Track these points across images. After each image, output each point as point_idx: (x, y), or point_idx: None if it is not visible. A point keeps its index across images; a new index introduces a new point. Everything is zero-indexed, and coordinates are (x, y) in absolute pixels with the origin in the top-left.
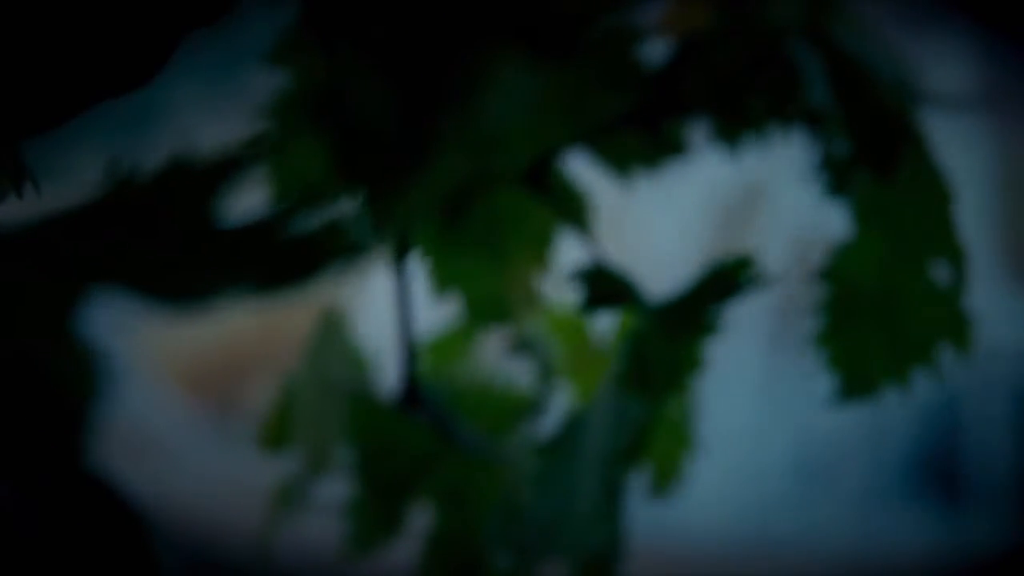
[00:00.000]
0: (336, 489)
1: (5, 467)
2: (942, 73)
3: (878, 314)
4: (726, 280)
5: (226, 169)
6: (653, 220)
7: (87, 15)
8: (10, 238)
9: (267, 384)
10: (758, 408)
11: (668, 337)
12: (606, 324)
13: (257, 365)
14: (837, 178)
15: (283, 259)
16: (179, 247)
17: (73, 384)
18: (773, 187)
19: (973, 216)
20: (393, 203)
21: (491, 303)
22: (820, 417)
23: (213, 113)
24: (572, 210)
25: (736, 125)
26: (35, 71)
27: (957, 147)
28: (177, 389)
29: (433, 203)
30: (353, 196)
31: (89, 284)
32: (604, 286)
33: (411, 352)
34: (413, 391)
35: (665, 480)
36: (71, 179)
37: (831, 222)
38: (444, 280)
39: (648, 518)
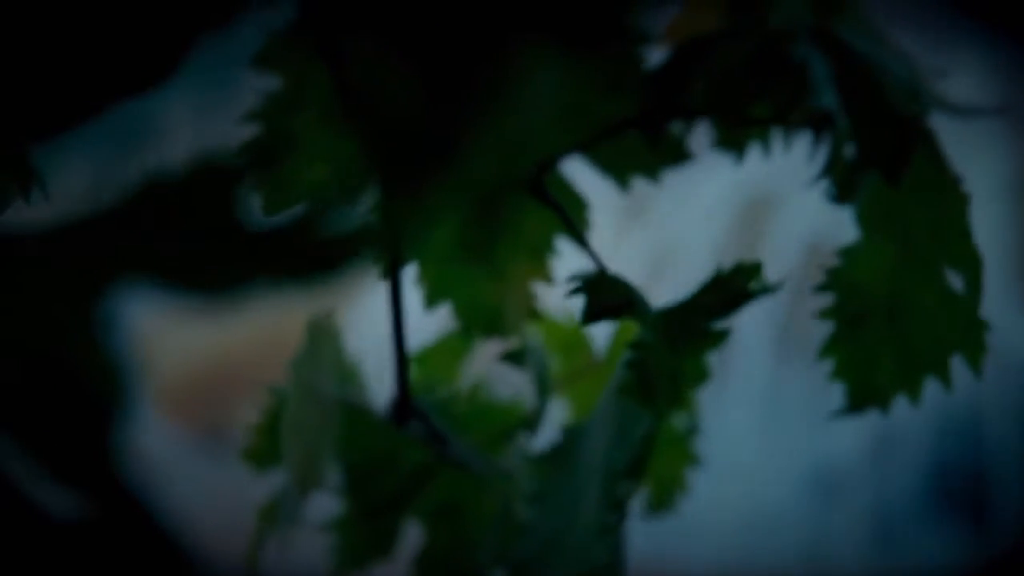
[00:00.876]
0: (326, 506)
1: (40, 469)
2: (957, 81)
3: (887, 322)
4: (732, 288)
5: (241, 169)
6: (670, 223)
7: (100, 16)
8: (32, 237)
9: (255, 400)
10: (766, 421)
11: (671, 347)
12: (603, 335)
13: (244, 382)
14: (845, 183)
15: (310, 257)
16: (207, 243)
17: (101, 383)
18: (787, 192)
19: (989, 223)
20: (420, 202)
21: (486, 313)
22: (830, 431)
23: (205, 120)
24: (572, 216)
25: (740, 130)
26: (45, 73)
27: (972, 153)
28: (162, 409)
29: (460, 204)
30: (374, 195)
31: (118, 280)
32: (605, 295)
33: (404, 363)
34: (405, 404)
35: (666, 496)
36: (65, 183)
37: (846, 228)
38: (437, 289)
39: (653, 535)
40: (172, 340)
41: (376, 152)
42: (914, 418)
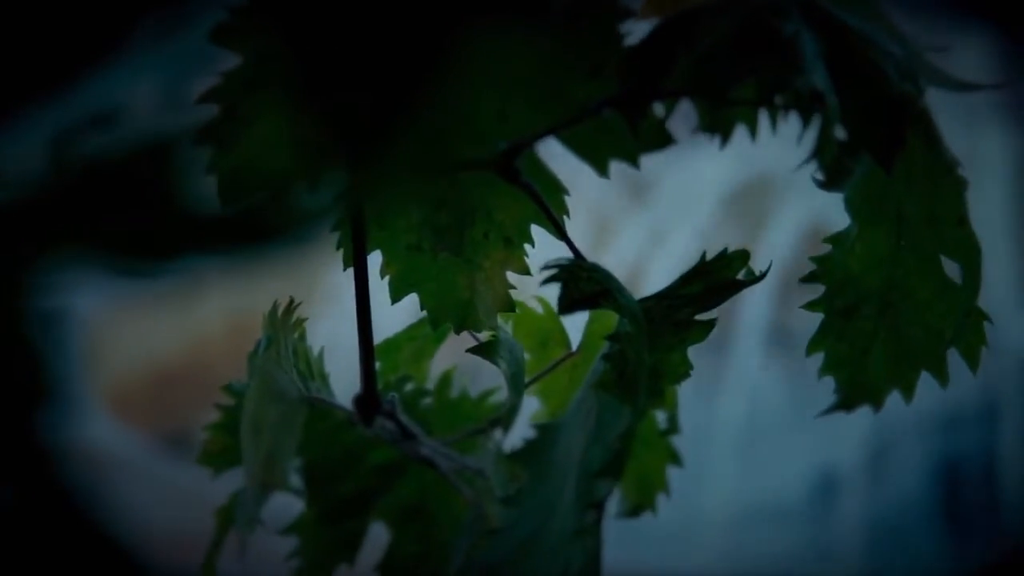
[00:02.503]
0: (287, 507)
1: None
2: (958, 59)
3: (879, 314)
4: (717, 277)
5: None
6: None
7: None
8: None
9: (206, 400)
10: (762, 418)
11: (652, 340)
12: (577, 327)
13: (193, 382)
14: (835, 167)
15: (242, 230)
16: (146, 222)
17: (26, 373)
18: (787, 177)
19: (989, 209)
20: (383, 183)
21: (456, 304)
22: (833, 427)
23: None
24: (548, 201)
25: (725, 112)
26: None
27: (971, 136)
28: (124, 409)
29: (426, 185)
30: (337, 178)
31: (56, 254)
32: (582, 284)
33: (370, 357)
34: (371, 399)
35: (646, 496)
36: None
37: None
38: (404, 278)
39: (643, 537)
40: (136, 337)
41: (338, 131)
42: (921, 415)
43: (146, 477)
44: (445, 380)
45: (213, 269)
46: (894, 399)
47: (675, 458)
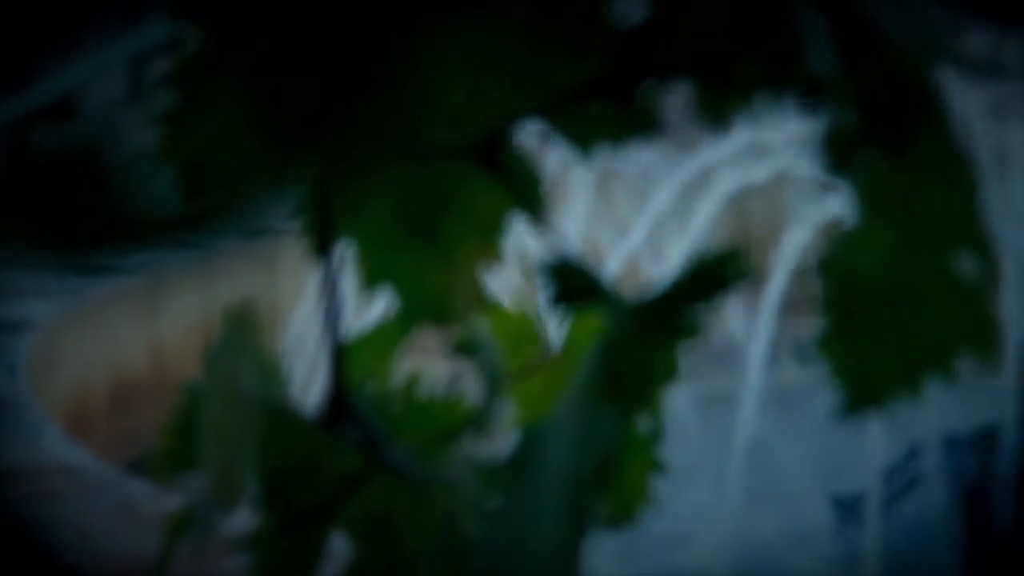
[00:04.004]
0: (242, 517)
1: None
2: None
3: (888, 315)
4: (711, 277)
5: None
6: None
7: None
8: None
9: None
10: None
11: (643, 341)
12: (556, 328)
13: (148, 393)
14: (842, 156)
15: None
16: (98, 214)
17: None
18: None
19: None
20: (353, 170)
21: (430, 299)
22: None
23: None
24: (526, 191)
25: (723, 94)
26: None
27: (1000, 132)
28: (69, 424)
29: (398, 173)
30: (282, 163)
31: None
32: (570, 281)
33: (339, 356)
34: (340, 403)
35: (628, 507)
36: None
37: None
38: (375, 272)
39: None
40: (96, 345)
41: (299, 114)
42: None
43: (105, 496)
44: (414, 381)
45: (171, 264)
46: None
47: (658, 467)
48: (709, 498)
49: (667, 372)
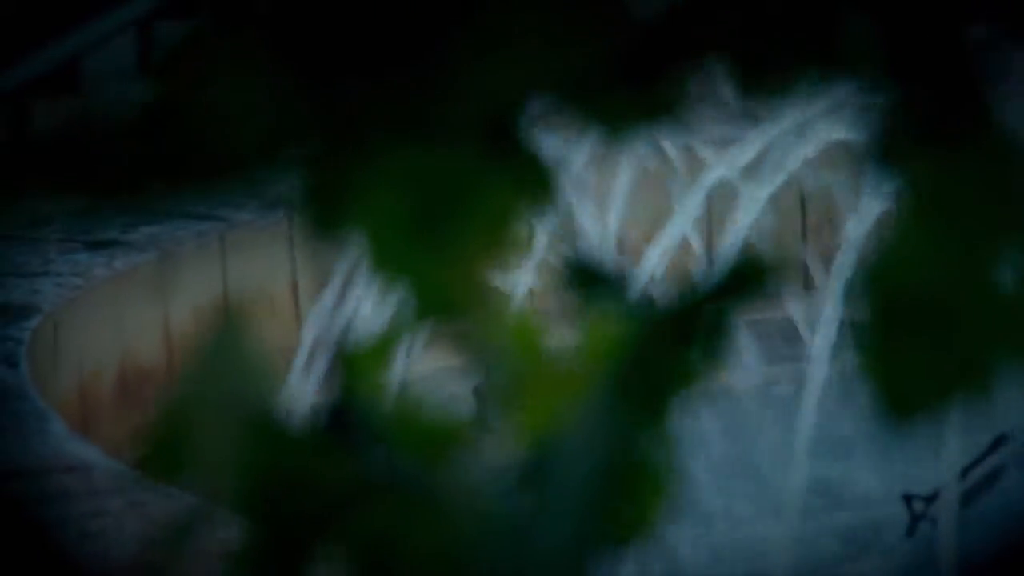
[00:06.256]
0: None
1: None
2: None
3: (931, 324)
4: (740, 282)
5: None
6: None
7: None
8: None
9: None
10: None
11: (667, 348)
12: (566, 335)
13: (159, 384)
14: (886, 147)
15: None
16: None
17: None
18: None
19: None
20: (363, 154)
21: (439, 295)
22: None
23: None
24: (536, 182)
25: (759, 74)
26: None
27: None
28: (68, 421)
29: (412, 157)
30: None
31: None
32: (590, 282)
33: (342, 360)
34: (333, 410)
35: (638, 527)
36: None
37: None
38: (383, 263)
39: None
40: (104, 332)
41: (315, 93)
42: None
43: (114, 496)
44: (408, 388)
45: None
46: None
47: (675, 478)
48: (770, 496)
49: (684, 379)
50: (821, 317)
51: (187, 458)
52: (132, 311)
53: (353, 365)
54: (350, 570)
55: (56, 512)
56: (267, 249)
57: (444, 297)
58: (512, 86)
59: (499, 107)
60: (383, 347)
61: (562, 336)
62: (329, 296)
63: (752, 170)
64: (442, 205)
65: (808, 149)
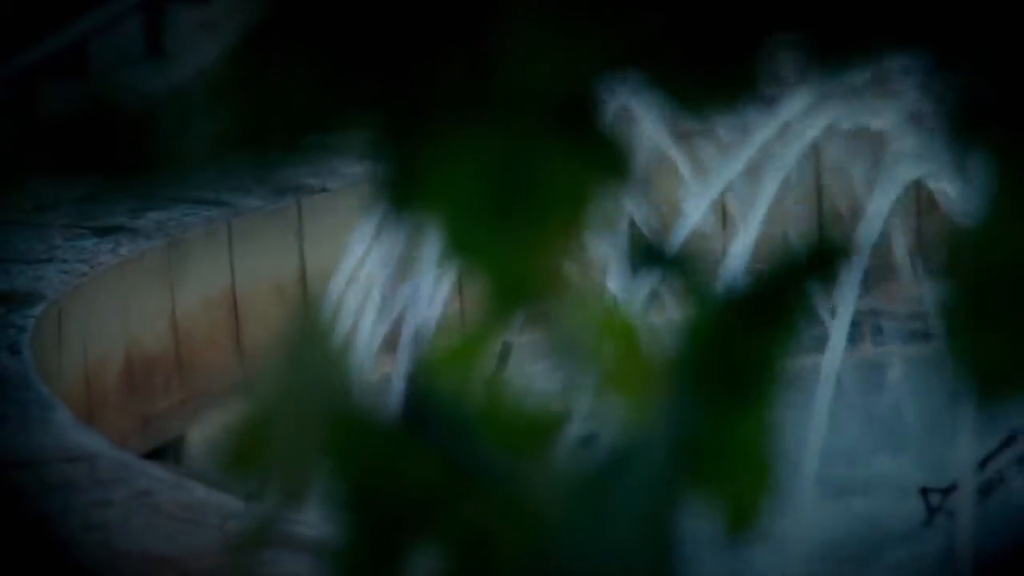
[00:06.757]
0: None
1: None
2: None
3: (1018, 300)
4: (817, 266)
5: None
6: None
7: None
8: None
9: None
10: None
11: (745, 333)
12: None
13: (165, 373)
14: (972, 128)
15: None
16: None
17: None
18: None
19: None
20: (434, 136)
21: (517, 281)
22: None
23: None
24: (612, 163)
25: (840, 49)
26: None
27: None
28: (73, 409)
29: (487, 139)
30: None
31: None
32: (666, 269)
33: (422, 354)
34: (423, 405)
35: (741, 522)
36: None
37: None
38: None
39: None
40: (111, 319)
41: (381, 76)
42: None
43: (120, 486)
44: (497, 382)
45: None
46: None
47: (774, 477)
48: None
49: (774, 366)
50: (839, 303)
51: (271, 453)
52: (138, 298)
53: (438, 363)
54: (445, 563)
55: (60, 502)
56: (275, 237)
57: (525, 283)
58: (578, 62)
59: (568, 85)
60: (470, 344)
61: (646, 320)
62: (340, 277)
63: (769, 154)
64: (518, 188)
65: (823, 134)
